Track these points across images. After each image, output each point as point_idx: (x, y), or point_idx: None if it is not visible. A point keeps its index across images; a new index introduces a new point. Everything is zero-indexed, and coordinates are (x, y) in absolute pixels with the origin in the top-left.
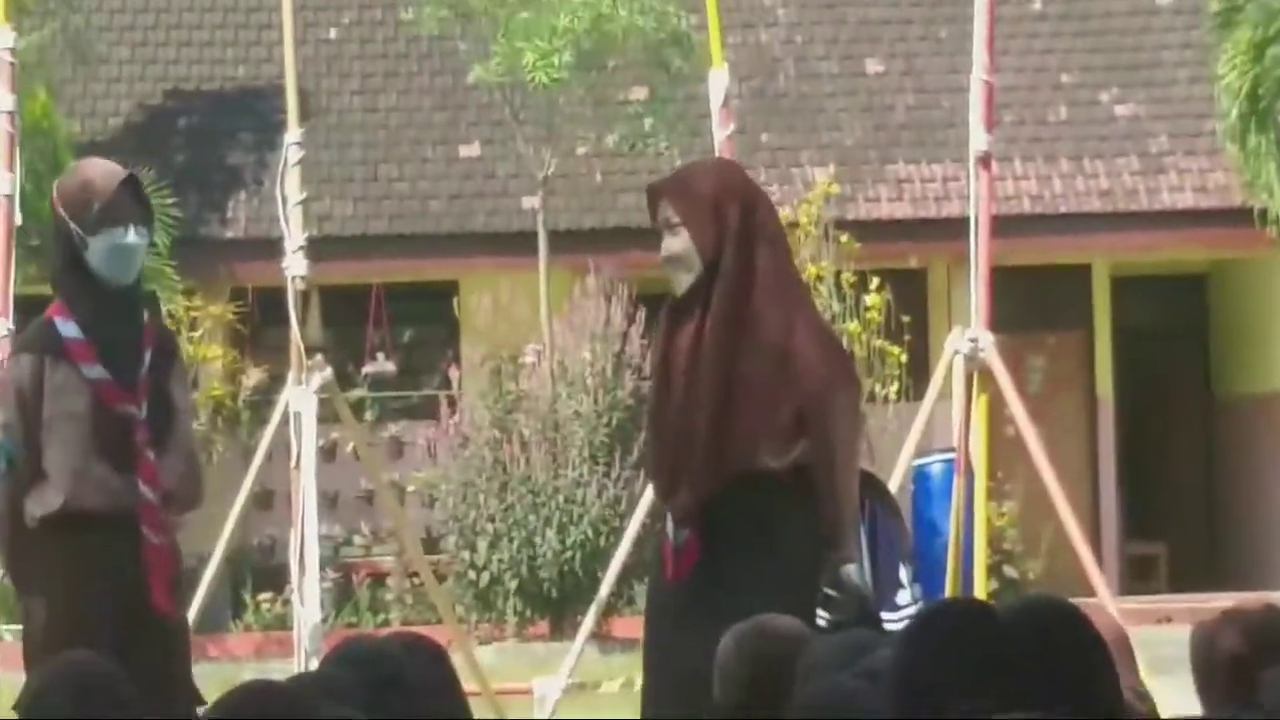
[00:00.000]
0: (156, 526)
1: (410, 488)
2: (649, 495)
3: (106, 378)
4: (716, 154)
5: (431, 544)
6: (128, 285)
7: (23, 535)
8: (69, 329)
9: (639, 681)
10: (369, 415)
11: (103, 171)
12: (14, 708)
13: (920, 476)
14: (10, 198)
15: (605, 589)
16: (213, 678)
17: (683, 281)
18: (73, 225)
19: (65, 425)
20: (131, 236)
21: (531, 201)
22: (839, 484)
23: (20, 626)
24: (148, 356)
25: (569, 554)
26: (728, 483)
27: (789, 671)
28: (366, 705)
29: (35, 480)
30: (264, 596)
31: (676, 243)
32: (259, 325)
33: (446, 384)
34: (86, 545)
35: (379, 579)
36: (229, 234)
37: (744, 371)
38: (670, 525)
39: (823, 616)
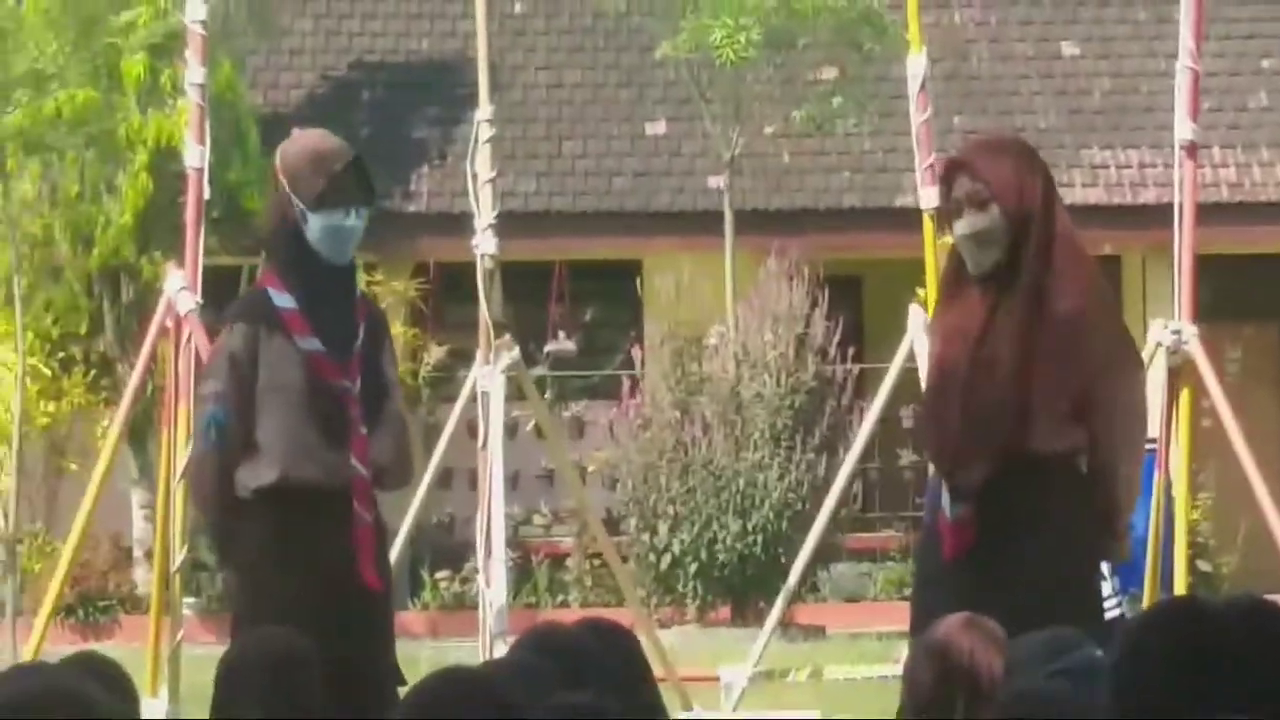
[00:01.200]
0: (367, 503)
1: (590, 468)
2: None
3: (321, 350)
4: (914, 139)
5: (612, 525)
6: (344, 263)
7: (233, 506)
8: (283, 300)
9: (827, 671)
10: (549, 394)
11: (331, 149)
12: (216, 681)
13: None
14: (200, 171)
15: (794, 576)
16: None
17: (986, 257)
18: (295, 199)
19: (279, 397)
20: (352, 219)
21: (717, 181)
22: (1122, 469)
23: (194, 600)
24: (361, 331)
25: (750, 538)
26: (1009, 463)
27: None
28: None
29: (247, 452)
30: (442, 575)
31: (984, 218)
32: (440, 301)
33: (628, 364)
34: (299, 519)
35: (558, 560)
36: (411, 208)
37: (1035, 352)
38: (947, 502)
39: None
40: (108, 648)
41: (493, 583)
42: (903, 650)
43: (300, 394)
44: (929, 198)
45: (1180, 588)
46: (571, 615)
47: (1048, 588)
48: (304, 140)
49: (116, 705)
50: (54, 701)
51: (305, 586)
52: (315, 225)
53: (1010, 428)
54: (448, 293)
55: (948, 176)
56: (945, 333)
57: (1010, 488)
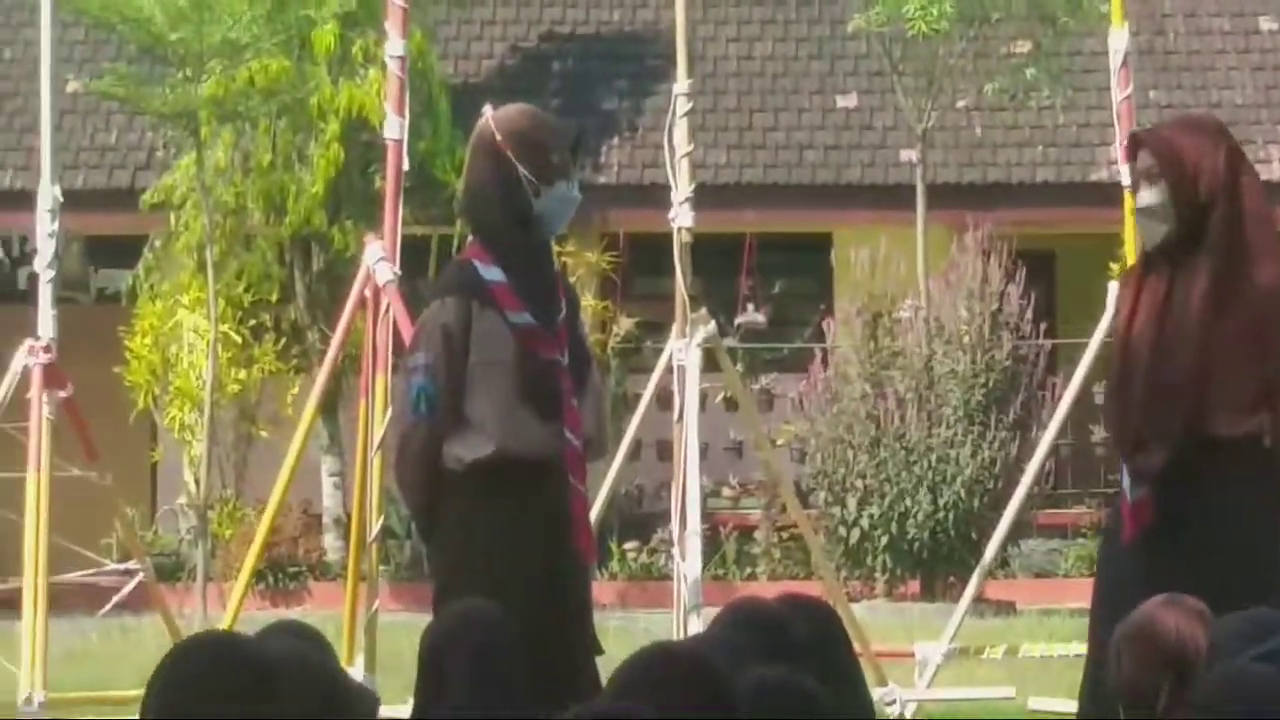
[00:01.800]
0: (581, 473)
1: (779, 441)
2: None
3: (532, 323)
4: (1114, 115)
5: (800, 499)
6: (554, 235)
7: (438, 479)
8: (492, 273)
9: (1023, 648)
10: (739, 367)
11: (559, 124)
12: (423, 651)
13: None
14: (399, 142)
15: (990, 553)
16: None
17: (1155, 234)
18: (524, 172)
19: (493, 371)
20: (575, 191)
21: (909, 154)
22: None
23: (384, 568)
24: (564, 304)
25: (941, 514)
26: (1189, 445)
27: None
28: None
29: (456, 425)
30: (630, 545)
31: (1152, 194)
32: (630, 273)
33: (818, 337)
34: (518, 490)
35: (746, 532)
36: (602, 180)
37: (1221, 333)
38: (1128, 484)
39: None
40: (298, 614)
41: (687, 555)
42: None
43: (513, 368)
44: (1130, 172)
45: None
46: (760, 588)
47: (1233, 570)
48: (523, 114)
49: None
50: (306, 668)
51: (516, 559)
52: (547, 198)
53: (1192, 410)
54: (636, 265)
55: (1130, 152)
56: (1127, 310)
57: (1192, 470)
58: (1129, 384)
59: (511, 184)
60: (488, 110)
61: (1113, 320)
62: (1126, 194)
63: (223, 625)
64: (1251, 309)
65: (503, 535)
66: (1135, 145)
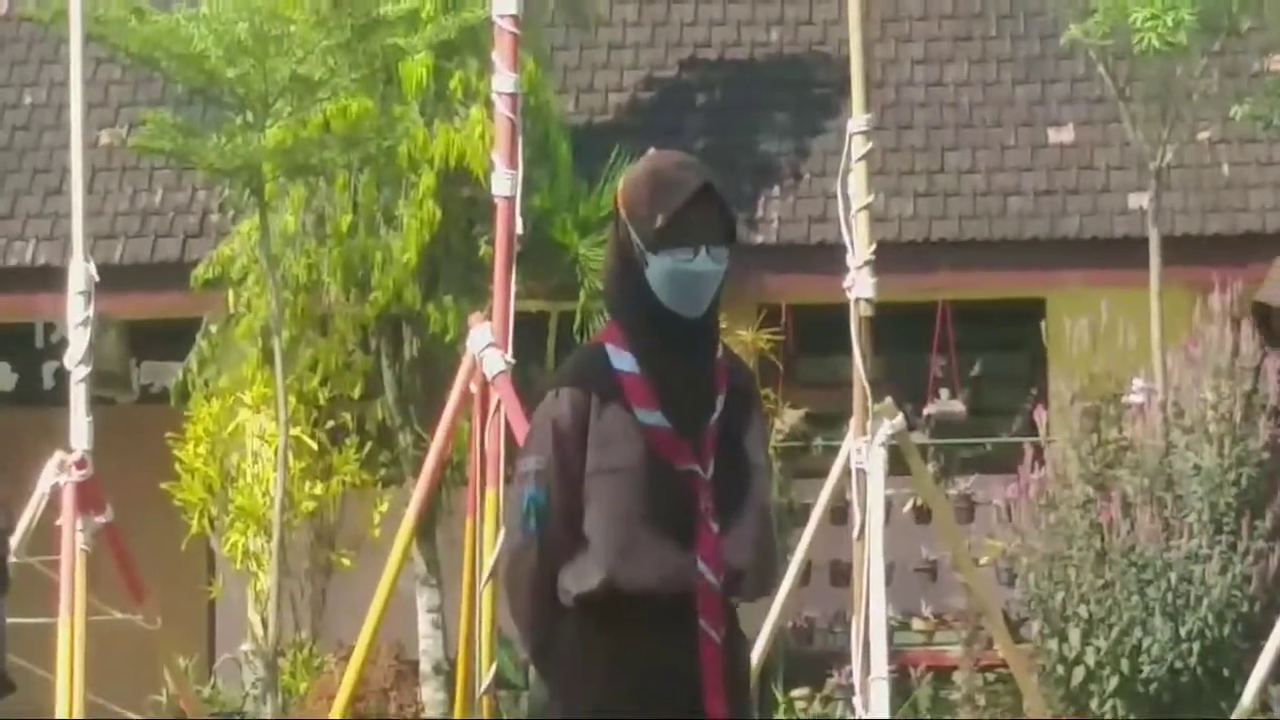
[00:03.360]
0: (716, 616)
1: (984, 559)
2: None
3: (666, 426)
4: None
5: (1010, 630)
6: (698, 316)
7: (553, 613)
8: (624, 361)
9: None
10: (932, 468)
11: (677, 173)
12: None
13: None
14: (511, 200)
15: (1249, 696)
16: None
17: None
18: (634, 236)
19: (612, 481)
20: (701, 262)
21: (1140, 199)
22: None
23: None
24: (720, 401)
25: (1183, 645)
26: None
27: None
28: None
29: (572, 548)
30: (798, 693)
31: None
32: (795, 354)
33: (1030, 429)
34: (632, 636)
35: (943, 673)
36: (759, 239)
37: None
38: None
39: None
40: None
41: (872, 705)
42: None
43: (638, 479)
44: None
45: None
46: None
47: None
48: (650, 163)
49: None
50: None
51: (634, 714)
52: (656, 268)
53: None
54: (803, 344)
55: None
56: None
57: None
58: None
59: (624, 247)
60: (650, 152)
61: None
62: None
63: None
64: None
65: (619, 688)
66: None
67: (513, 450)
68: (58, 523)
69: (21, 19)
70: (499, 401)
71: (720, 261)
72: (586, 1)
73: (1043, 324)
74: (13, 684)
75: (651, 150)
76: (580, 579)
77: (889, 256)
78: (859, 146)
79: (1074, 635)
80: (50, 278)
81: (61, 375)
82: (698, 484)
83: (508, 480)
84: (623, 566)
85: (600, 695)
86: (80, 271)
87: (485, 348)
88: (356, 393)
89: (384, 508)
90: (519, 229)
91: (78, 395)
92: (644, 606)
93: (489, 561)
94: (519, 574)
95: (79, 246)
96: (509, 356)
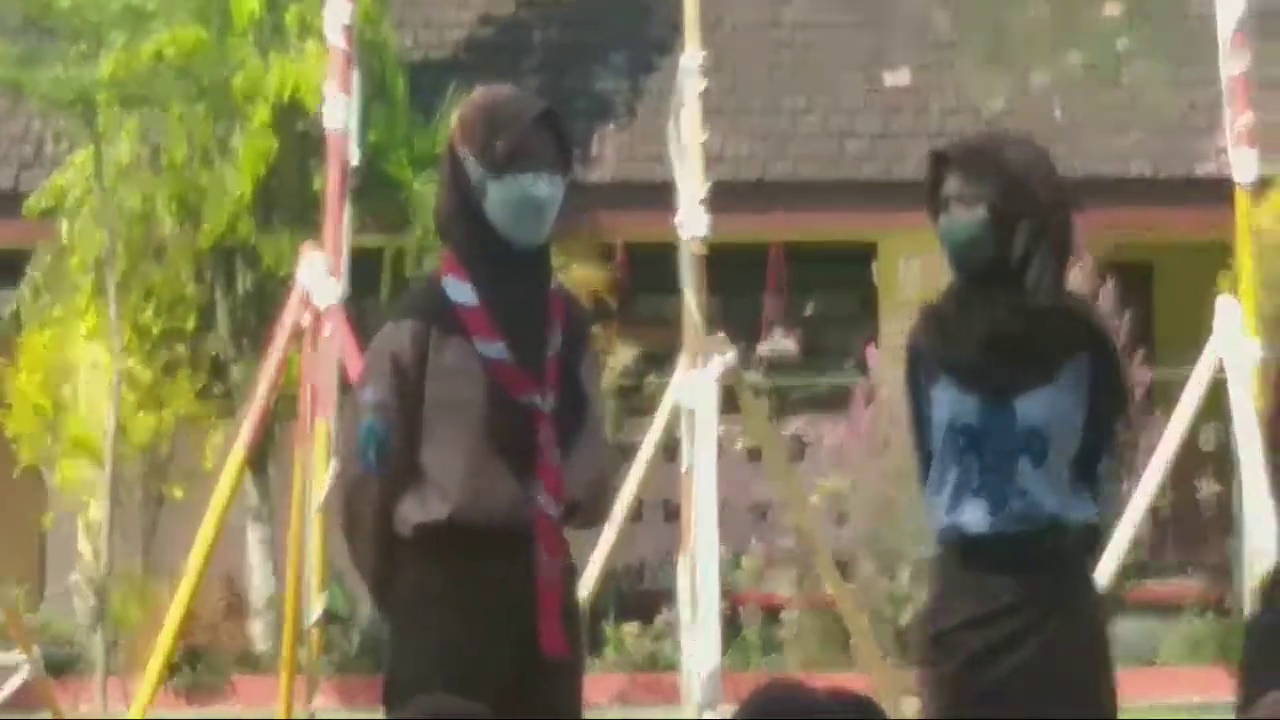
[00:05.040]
0: (555, 547)
1: (814, 499)
2: (1131, 518)
3: (507, 357)
4: (1223, 91)
5: (841, 570)
6: (536, 246)
7: (392, 545)
8: (462, 294)
9: None
10: (765, 407)
11: (512, 102)
12: None
13: None
14: (344, 132)
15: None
16: None
17: None
18: (474, 166)
19: (453, 415)
20: (542, 187)
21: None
22: None
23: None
24: (557, 334)
25: None
26: None
27: None
28: None
29: (411, 479)
30: (629, 629)
31: None
32: (629, 293)
33: (862, 369)
34: (472, 567)
35: (772, 612)
36: (593, 177)
37: None
38: None
39: None
40: (220, 713)
41: (701, 642)
42: None
43: (480, 411)
44: (1244, 164)
45: None
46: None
47: None
48: (487, 95)
49: None
50: None
51: (475, 646)
52: (495, 196)
53: None
54: (638, 280)
55: None
56: None
57: None
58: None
59: (459, 179)
60: (482, 88)
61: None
62: (1239, 191)
63: None
64: None
65: (458, 616)
66: None
67: (346, 381)
68: None
69: None
70: (331, 331)
71: (559, 187)
72: None
73: (875, 265)
74: None
75: (482, 87)
76: (421, 510)
77: (724, 196)
78: (692, 83)
79: (904, 576)
80: None
81: None
82: (538, 415)
83: (339, 412)
84: (467, 498)
85: (439, 627)
86: None
87: (317, 279)
88: (190, 325)
89: (217, 440)
90: (353, 161)
91: None
92: (484, 537)
93: (319, 494)
94: (358, 506)
95: None
96: (342, 287)
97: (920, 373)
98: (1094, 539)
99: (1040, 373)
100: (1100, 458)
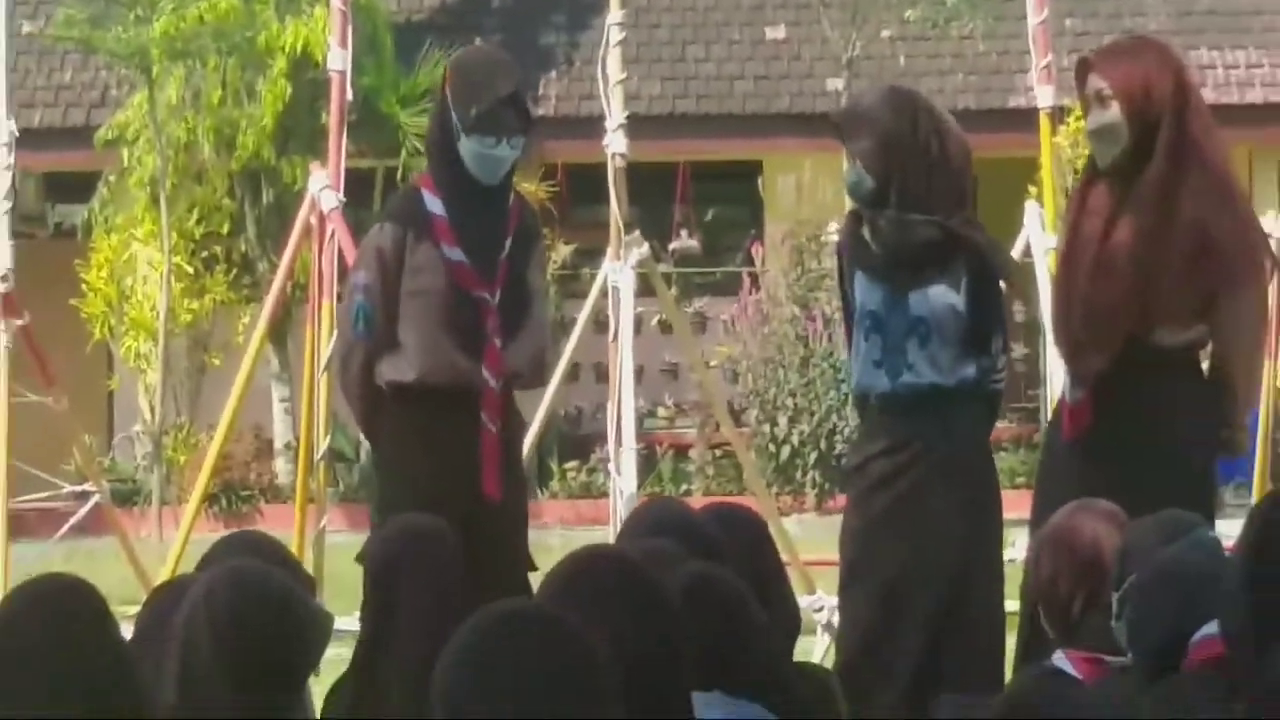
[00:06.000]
0: (495, 413)
1: (713, 362)
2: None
3: (464, 261)
4: (1029, 40)
5: (733, 417)
6: (495, 184)
7: (376, 396)
8: (435, 205)
9: None
10: (673, 291)
11: (494, 76)
12: (356, 559)
13: None
14: (343, 73)
15: None
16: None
17: (1107, 154)
18: (453, 116)
19: (421, 301)
20: (503, 149)
21: (835, 83)
22: (1243, 369)
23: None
24: (508, 244)
25: None
26: (1129, 352)
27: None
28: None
29: (390, 346)
30: (570, 465)
31: (1106, 115)
32: (568, 202)
33: (749, 261)
34: (429, 421)
35: (681, 451)
36: (540, 111)
37: (1165, 248)
38: (1068, 386)
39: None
40: None
41: (624, 473)
42: (1016, 537)
43: (441, 300)
44: (1045, 96)
45: None
46: (694, 503)
47: (1168, 473)
48: (472, 59)
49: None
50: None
51: (435, 483)
52: (467, 147)
53: (1130, 320)
54: (575, 193)
55: (1079, 75)
56: (1074, 224)
57: (1130, 377)
58: (1069, 292)
59: (444, 120)
60: (476, 44)
61: (1029, 239)
62: (1043, 118)
63: (175, 547)
64: (1196, 226)
65: (421, 458)
66: (1085, 69)
67: (345, 271)
68: None
69: None
70: (333, 232)
71: (516, 148)
72: None
73: (760, 180)
74: None
75: (477, 42)
76: (395, 370)
77: (640, 126)
78: (615, 36)
79: (783, 421)
80: None
81: None
82: (486, 308)
83: (339, 296)
84: (428, 367)
85: (410, 464)
86: (3, 128)
87: (322, 189)
88: (224, 230)
89: (246, 319)
90: (349, 98)
91: (1, 226)
92: (440, 398)
93: (324, 358)
94: (350, 365)
95: (1, 110)
96: (341, 197)
97: (846, 265)
98: (978, 395)
99: (926, 275)
100: (986, 337)
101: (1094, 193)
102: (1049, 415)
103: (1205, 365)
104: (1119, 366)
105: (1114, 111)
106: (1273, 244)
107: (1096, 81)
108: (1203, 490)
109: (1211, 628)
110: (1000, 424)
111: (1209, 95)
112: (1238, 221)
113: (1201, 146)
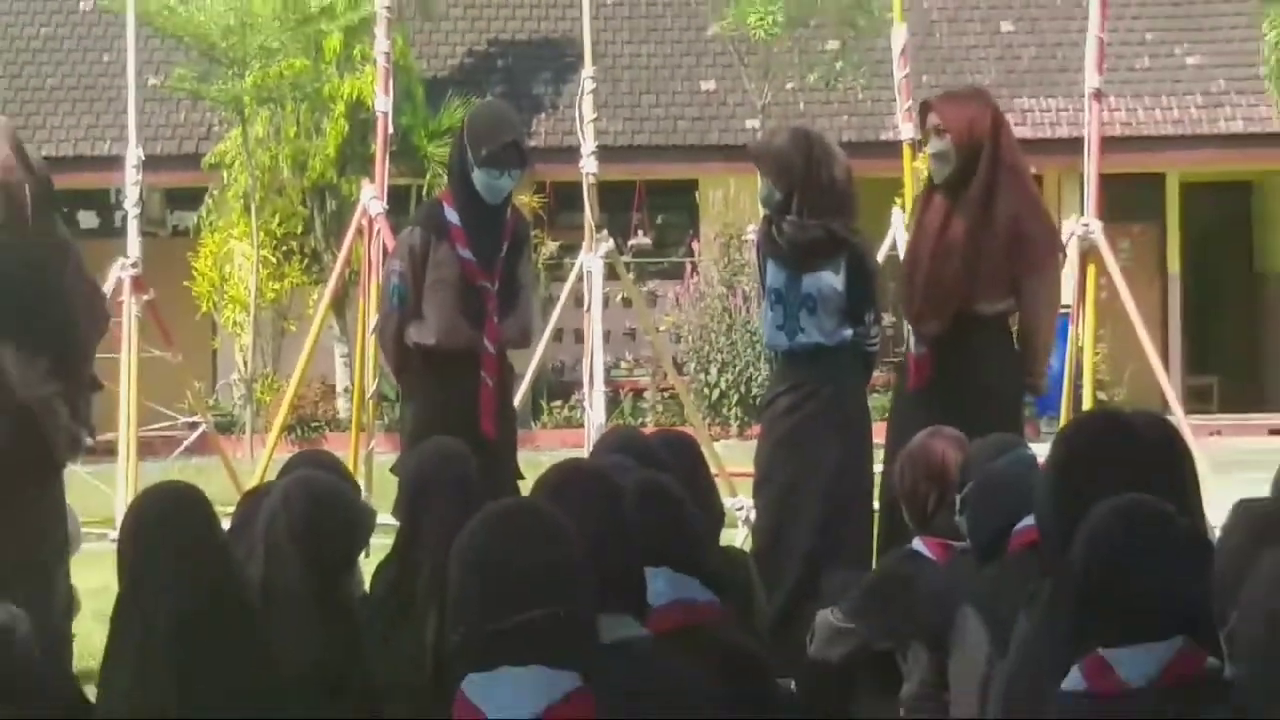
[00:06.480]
0: (491, 370)
1: (662, 328)
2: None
3: (472, 260)
4: (895, 89)
5: (677, 369)
6: (498, 204)
7: (405, 352)
8: (452, 216)
9: None
10: (631, 276)
11: (500, 126)
12: (391, 470)
13: None
14: (386, 115)
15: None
16: (522, 461)
17: (941, 172)
18: (468, 153)
19: (440, 287)
20: (504, 180)
21: (753, 123)
22: (1042, 333)
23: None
24: (505, 247)
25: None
26: (959, 319)
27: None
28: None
29: (417, 317)
30: (555, 404)
31: (940, 144)
32: (554, 210)
33: (689, 254)
34: (444, 374)
35: (638, 393)
36: (532, 144)
37: (983, 243)
38: (913, 343)
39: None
40: None
41: (595, 409)
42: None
43: (455, 287)
44: (906, 131)
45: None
46: (647, 431)
47: (988, 409)
48: (484, 113)
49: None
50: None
51: (447, 419)
52: (478, 177)
53: (959, 295)
54: (559, 203)
55: (922, 114)
56: (918, 224)
57: (959, 337)
58: (914, 274)
59: (463, 157)
60: (489, 99)
61: (895, 236)
62: (906, 148)
63: (261, 463)
64: (1008, 226)
65: (442, 400)
66: (926, 109)
67: (385, 260)
68: (120, 299)
69: (100, 10)
70: (378, 231)
71: (515, 179)
72: (433, 4)
73: (696, 194)
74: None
75: (488, 95)
76: (420, 335)
77: (607, 154)
78: (588, 87)
79: (714, 372)
80: (119, 163)
81: (125, 217)
82: (487, 294)
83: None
84: (445, 336)
85: (428, 406)
86: (133, 155)
87: (371, 199)
88: (299, 230)
89: (314, 297)
90: (391, 133)
91: (132, 227)
92: (452, 358)
93: (371, 323)
94: (387, 331)
95: (133, 141)
96: (384, 205)
97: (760, 255)
98: (855, 353)
99: (816, 264)
100: (860, 311)
101: (932, 201)
102: None
103: (1015, 329)
104: (951, 330)
105: (946, 141)
106: (1079, 240)
107: (934, 119)
108: (1014, 421)
109: (1028, 521)
110: (876, 373)
111: (1029, 132)
112: (1039, 223)
113: (1011, 167)
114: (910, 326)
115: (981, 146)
